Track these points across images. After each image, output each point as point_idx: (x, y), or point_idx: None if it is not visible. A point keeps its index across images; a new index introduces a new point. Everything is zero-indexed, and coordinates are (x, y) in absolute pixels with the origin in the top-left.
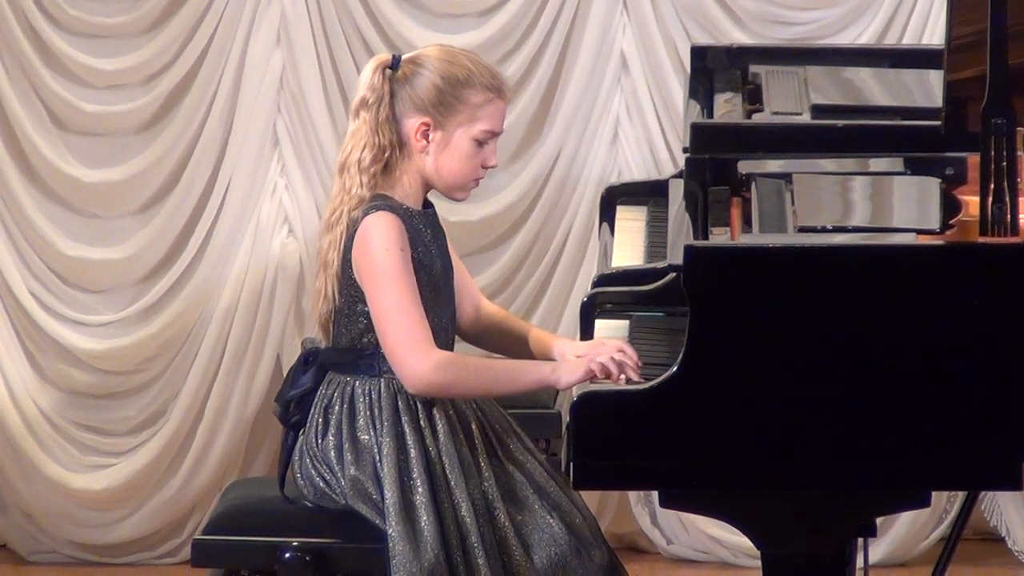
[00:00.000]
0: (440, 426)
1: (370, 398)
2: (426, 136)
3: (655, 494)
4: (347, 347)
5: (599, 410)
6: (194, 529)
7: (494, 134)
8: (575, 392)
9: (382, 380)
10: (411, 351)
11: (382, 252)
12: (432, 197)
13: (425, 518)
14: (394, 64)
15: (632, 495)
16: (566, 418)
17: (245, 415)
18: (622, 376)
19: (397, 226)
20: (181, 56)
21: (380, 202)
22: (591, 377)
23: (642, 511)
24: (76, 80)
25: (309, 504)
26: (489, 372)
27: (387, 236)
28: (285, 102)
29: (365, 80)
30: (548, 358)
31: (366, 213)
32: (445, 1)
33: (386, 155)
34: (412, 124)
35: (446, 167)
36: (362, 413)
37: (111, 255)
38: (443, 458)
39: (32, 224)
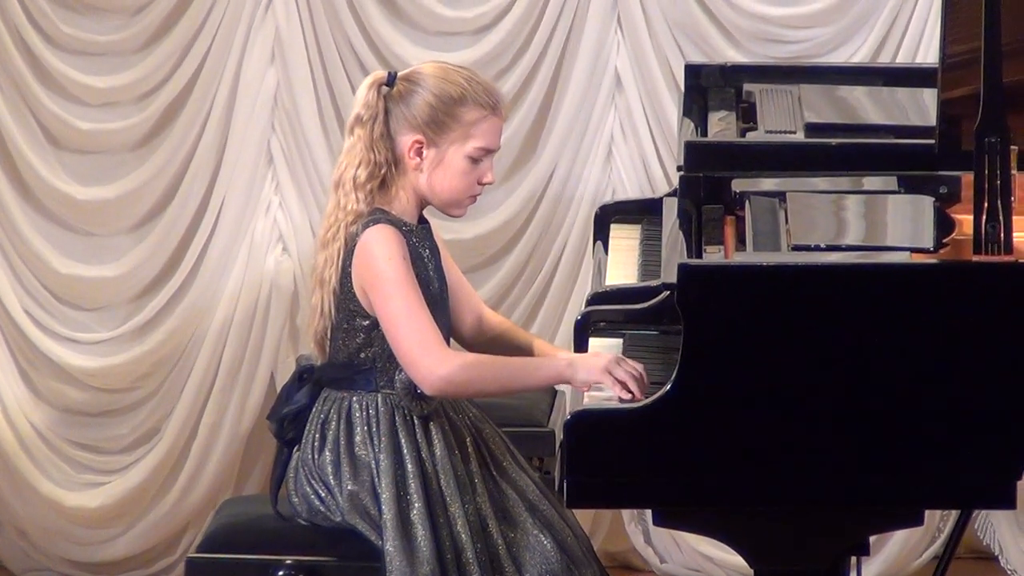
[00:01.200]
0: (436, 441)
1: (367, 413)
2: (419, 154)
3: (648, 512)
4: (344, 362)
5: (593, 428)
6: (188, 547)
7: (489, 151)
8: (569, 410)
9: (379, 395)
10: (426, 353)
11: (385, 261)
12: (428, 214)
13: (422, 533)
14: (390, 81)
15: (625, 513)
16: (560, 436)
17: (239, 433)
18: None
19: (397, 237)
20: (175, 74)
21: (379, 215)
22: (606, 380)
23: (635, 529)
24: (70, 98)
25: (303, 522)
26: (505, 369)
27: (388, 246)
28: (279, 120)
29: (360, 97)
30: None
31: (365, 227)
32: (440, 19)
33: (381, 172)
34: (405, 142)
35: (440, 184)
36: (359, 428)
37: (105, 273)
38: (439, 473)
39: (26, 241)
